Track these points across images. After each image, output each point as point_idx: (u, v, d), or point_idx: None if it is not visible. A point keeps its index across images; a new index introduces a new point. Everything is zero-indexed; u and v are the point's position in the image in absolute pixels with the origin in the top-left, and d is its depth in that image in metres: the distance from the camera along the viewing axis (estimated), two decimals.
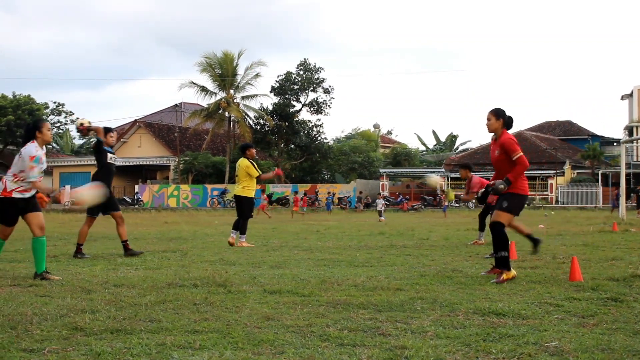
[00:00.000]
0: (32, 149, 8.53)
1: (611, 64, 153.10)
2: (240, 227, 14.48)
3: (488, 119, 8.96)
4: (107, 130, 12.13)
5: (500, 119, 8.88)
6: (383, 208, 33.09)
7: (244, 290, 7.56)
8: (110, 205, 12.06)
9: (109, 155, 11.99)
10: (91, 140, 75.64)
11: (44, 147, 8.80)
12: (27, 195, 8.62)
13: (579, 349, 4.80)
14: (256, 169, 14.54)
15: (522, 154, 8.65)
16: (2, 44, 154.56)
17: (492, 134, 9.04)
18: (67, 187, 11.77)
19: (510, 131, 9.01)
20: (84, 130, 11.97)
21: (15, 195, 8.49)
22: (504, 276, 8.26)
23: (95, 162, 12.07)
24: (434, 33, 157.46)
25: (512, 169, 8.58)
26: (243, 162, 14.60)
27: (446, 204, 38.19)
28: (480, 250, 11.83)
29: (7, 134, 67.65)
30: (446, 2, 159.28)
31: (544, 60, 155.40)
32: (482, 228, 14.72)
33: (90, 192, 9.21)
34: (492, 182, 8.93)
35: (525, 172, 8.69)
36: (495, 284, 8.08)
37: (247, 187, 14.56)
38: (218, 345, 4.96)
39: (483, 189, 9.29)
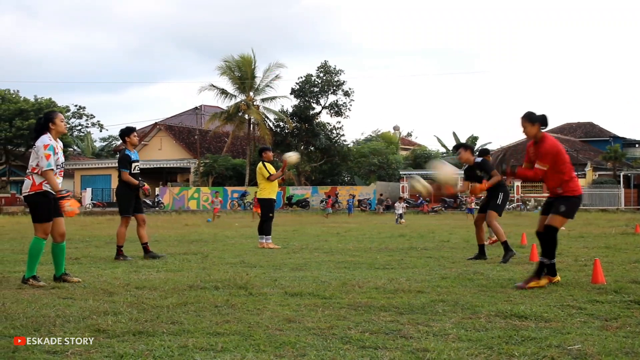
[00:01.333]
0: (46, 138, 8.52)
1: (634, 65, 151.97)
2: (263, 228, 14.55)
3: (523, 127, 8.55)
4: (131, 130, 12.18)
5: (535, 122, 8.47)
6: (403, 211, 33.02)
7: (265, 293, 7.57)
8: (137, 207, 12.16)
9: (134, 164, 12.04)
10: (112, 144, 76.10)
11: (58, 139, 8.81)
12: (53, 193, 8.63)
13: (602, 352, 4.78)
14: (267, 170, 14.64)
15: (568, 162, 8.38)
16: (24, 47, 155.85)
17: (532, 139, 8.62)
18: (88, 190, 11.81)
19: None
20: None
21: (45, 187, 8.47)
22: (544, 281, 8.05)
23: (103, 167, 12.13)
24: (453, 34, 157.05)
25: (556, 175, 8.33)
26: (258, 166, 14.81)
27: (472, 206, 37.62)
28: (501, 251, 11.76)
29: (30, 138, 68.06)
30: (465, 3, 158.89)
31: (565, 60, 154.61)
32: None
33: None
34: (500, 154, 8.64)
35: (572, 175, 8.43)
36: (519, 287, 7.93)
37: (264, 189, 14.71)
38: (240, 348, 4.97)
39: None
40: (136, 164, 12.11)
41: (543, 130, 8.56)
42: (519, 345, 5.03)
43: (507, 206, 25.60)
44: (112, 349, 4.97)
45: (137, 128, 12.32)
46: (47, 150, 8.44)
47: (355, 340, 5.19)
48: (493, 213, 11.68)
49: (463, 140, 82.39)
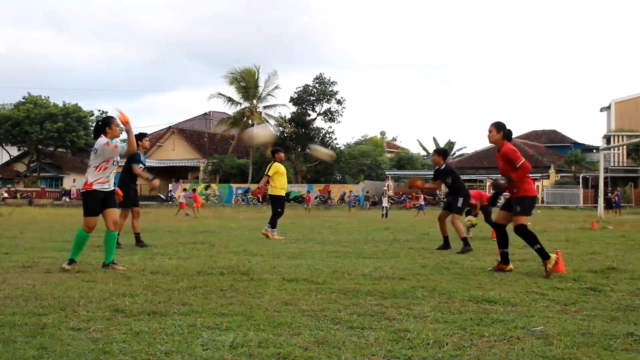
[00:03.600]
0: (103, 140, 8.48)
1: (592, 80, 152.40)
2: (271, 221, 14.54)
3: (490, 131, 8.72)
4: (143, 135, 12.18)
5: (500, 131, 8.65)
6: (387, 205, 32.97)
7: (265, 278, 7.56)
8: (134, 201, 12.15)
9: (140, 165, 12.00)
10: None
11: (114, 139, 8.78)
12: (107, 188, 8.60)
13: (562, 333, 4.78)
14: (269, 169, 14.65)
15: (523, 160, 8.46)
16: (54, 58, 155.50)
17: (494, 145, 8.80)
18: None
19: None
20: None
21: (95, 187, 8.46)
22: (549, 265, 8.00)
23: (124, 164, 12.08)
24: (434, 49, 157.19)
25: (514, 172, 8.44)
26: (270, 164, 14.76)
27: (422, 202, 37.59)
28: (474, 244, 11.77)
29: (58, 139, 67.95)
30: (442, 25, 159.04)
31: (532, 74, 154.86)
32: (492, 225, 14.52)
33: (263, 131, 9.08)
34: (494, 179, 8.70)
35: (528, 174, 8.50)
36: (544, 277, 7.85)
37: (275, 187, 14.64)
38: (242, 327, 4.96)
39: (485, 199, 9.03)
40: (142, 165, 12.06)
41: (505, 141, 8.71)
42: (489, 326, 5.03)
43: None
44: (129, 326, 4.96)
45: (149, 132, 12.30)
46: (110, 144, 8.44)
47: (345, 321, 5.18)
48: (455, 215, 11.81)
49: (442, 143, 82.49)
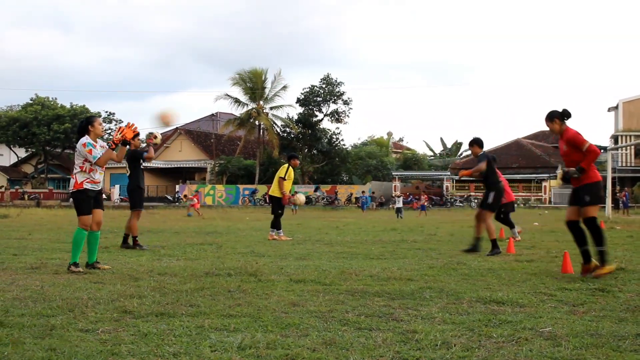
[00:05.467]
0: (83, 139, 8.58)
1: (600, 79, 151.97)
2: (273, 223, 14.53)
3: (548, 126, 8.45)
4: (135, 135, 12.13)
5: (554, 119, 8.32)
6: (401, 206, 32.97)
7: (273, 280, 7.57)
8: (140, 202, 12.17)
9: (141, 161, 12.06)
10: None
11: (97, 139, 8.82)
12: (96, 188, 8.68)
13: (570, 334, 4.77)
14: (285, 172, 14.58)
15: (590, 143, 8.02)
16: (61, 59, 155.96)
17: (558, 135, 8.45)
18: (117, 186, 11.66)
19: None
20: (149, 142, 11.89)
21: (86, 185, 8.55)
22: (603, 271, 7.77)
23: (128, 166, 12.12)
24: (442, 50, 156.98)
25: (582, 159, 8.01)
26: (282, 166, 14.76)
27: (424, 203, 37.40)
28: (482, 245, 11.75)
29: (65, 140, 68.15)
30: (450, 25, 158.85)
31: (540, 74, 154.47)
32: (510, 225, 14.20)
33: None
34: (566, 169, 8.22)
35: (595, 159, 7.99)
36: (582, 276, 7.79)
37: (277, 188, 14.60)
38: (250, 328, 4.97)
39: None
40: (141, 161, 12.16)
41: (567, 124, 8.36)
42: (497, 327, 5.03)
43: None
44: (137, 328, 4.97)
45: (153, 133, 12.29)
46: (87, 147, 8.50)
47: (352, 323, 5.18)
48: (487, 212, 11.25)
49: (449, 144, 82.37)
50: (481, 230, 11.29)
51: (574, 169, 8.03)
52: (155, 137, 11.79)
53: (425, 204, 37.55)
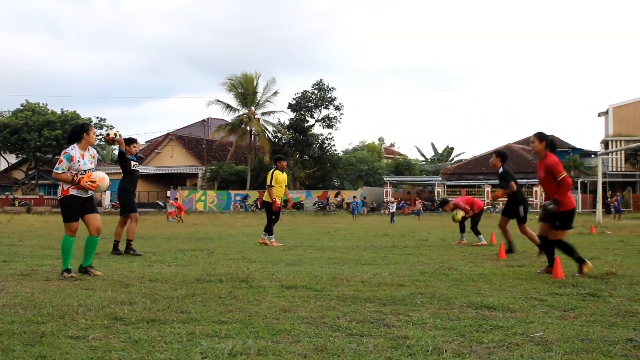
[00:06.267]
0: (69, 148, 8.58)
1: (590, 85, 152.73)
2: (266, 228, 14.51)
3: (532, 142, 8.91)
4: (131, 141, 12.11)
5: (543, 141, 8.83)
6: (394, 210, 33.01)
7: (264, 285, 7.56)
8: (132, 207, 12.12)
9: (132, 163, 12.02)
10: (113, 149, 76.18)
11: (89, 148, 8.79)
12: (84, 194, 8.65)
13: (561, 339, 4.78)
14: (270, 179, 14.51)
15: (565, 174, 8.62)
16: (52, 65, 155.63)
17: (537, 154, 8.97)
18: (108, 192, 11.46)
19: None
20: (109, 141, 11.86)
21: (72, 192, 8.54)
22: (585, 269, 8.41)
23: (120, 170, 12.09)
24: (434, 56, 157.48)
25: (556, 188, 8.57)
26: (270, 172, 14.67)
27: (420, 208, 37.59)
28: (473, 250, 11.78)
29: (56, 146, 67.92)
30: (441, 30, 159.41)
31: (530, 80, 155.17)
32: (462, 230, 15.11)
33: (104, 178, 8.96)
34: (542, 204, 8.87)
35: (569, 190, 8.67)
36: (575, 276, 8.27)
37: (269, 194, 14.57)
38: (241, 335, 4.96)
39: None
40: (134, 162, 12.11)
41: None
42: (488, 333, 5.03)
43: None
44: (128, 334, 4.95)
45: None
46: (63, 157, 8.49)
47: (344, 329, 5.18)
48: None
49: (440, 149, 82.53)
50: (510, 234, 11.97)
51: (550, 203, 8.56)
52: (108, 134, 11.76)
53: (421, 208, 37.64)
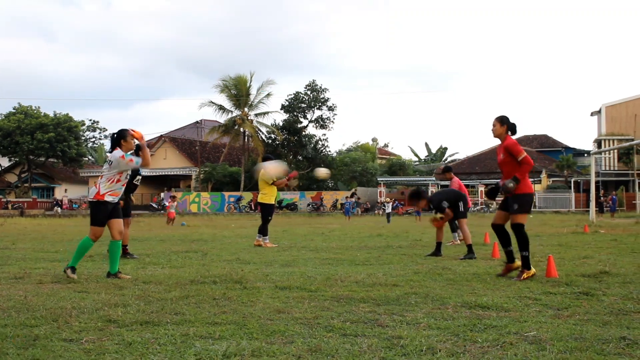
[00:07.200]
0: (119, 152, 8.56)
1: (582, 84, 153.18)
2: (261, 229, 14.51)
3: (493, 125, 8.74)
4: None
5: (504, 125, 8.68)
6: (390, 211, 32.98)
7: (258, 287, 7.56)
8: (126, 210, 12.00)
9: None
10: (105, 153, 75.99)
11: (129, 152, 8.79)
12: (115, 200, 8.65)
13: (555, 338, 4.79)
14: (270, 177, 14.52)
15: (526, 154, 8.42)
16: (44, 67, 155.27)
17: (497, 139, 8.79)
18: None
19: (492, 144, 8.95)
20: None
21: (107, 198, 8.51)
22: (525, 275, 8.09)
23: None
24: (427, 57, 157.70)
25: (517, 170, 8.35)
26: (261, 172, 14.63)
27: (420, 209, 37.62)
28: (466, 250, 11.77)
29: (49, 149, 67.80)
30: (434, 31, 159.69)
31: (523, 79, 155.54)
32: (454, 229, 15.07)
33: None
34: (501, 182, 8.52)
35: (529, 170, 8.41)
36: (501, 275, 8.33)
37: (265, 194, 14.58)
38: (235, 336, 4.95)
39: (493, 185, 8.78)
40: (139, 176, 12.06)
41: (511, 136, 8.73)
42: (482, 332, 5.04)
43: (473, 208, 25.96)
44: (122, 337, 4.94)
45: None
46: (126, 157, 8.53)
47: (338, 329, 5.18)
48: (517, 216, 11.46)
49: (434, 149, 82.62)
50: (467, 236, 11.84)
51: (510, 181, 8.28)
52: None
53: (420, 210, 37.57)
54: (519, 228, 8.35)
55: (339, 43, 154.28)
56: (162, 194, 65.12)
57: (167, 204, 34.74)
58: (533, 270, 8.22)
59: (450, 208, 11.68)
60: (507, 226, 8.66)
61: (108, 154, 8.84)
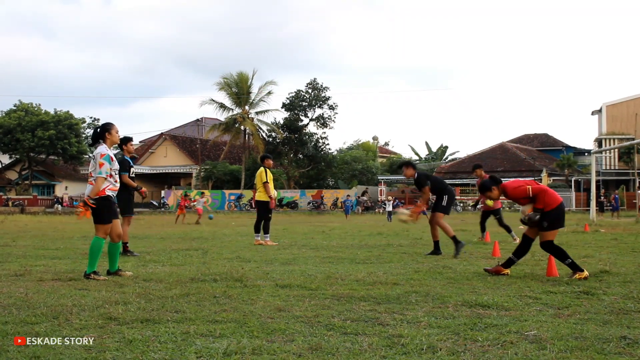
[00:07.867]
0: (103, 148, 8.42)
1: (583, 84, 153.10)
2: (263, 227, 14.50)
3: (486, 196, 8.76)
4: (127, 139, 11.90)
5: (492, 188, 8.55)
6: (391, 209, 32.96)
7: (258, 285, 7.56)
8: (126, 208, 11.98)
9: (131, 169, 11.92)
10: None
11: (112, 147, 8.69)
12: (114, 194, 8.55)
13: (555, 337, 4.79)
14: (265, 175, 14.48)
15: (529, 187, 8.28)
16: (44, 65, 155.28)
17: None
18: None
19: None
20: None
21: (108, 192, 8.39)
22: (577, 276, 7.94)
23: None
24: (428, 56, 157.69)
25: (534, 200, 8.26)
26: (259, 171, 14.61)
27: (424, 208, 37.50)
28: (467, 248, 11.79)
29: (49, 146, 67.73)
30: (435, 29, 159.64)
31: (524, 78, 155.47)
32: (483, 230, 15.53)
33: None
34: (526, 216, 8.39)
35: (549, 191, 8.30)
36: (486, 272, 8.40)
37: (262, 192, 14.54)
38: (236, 334, 4.96)
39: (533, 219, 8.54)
40: (132, 168, 12.03)
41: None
42: (482, 331, 5.04)
43: (473, 208, 26.04)
44: (122, 334, 4.94)
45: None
46: (103, 159, 8.34)
47: (338, 327, 5.18)
48: (439, 214, 11.74)
49: (434, 148, 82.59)
50: (437, 233, 11.86)
51: (535, 214, 8.23)
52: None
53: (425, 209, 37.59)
54: (548, 245, 8.26)
55: (340, 41, 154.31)
56: (162, 192, 65.14)
57: (191, 202, 33.90)
58: (585, 272, 8.05)
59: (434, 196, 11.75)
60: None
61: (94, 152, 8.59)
